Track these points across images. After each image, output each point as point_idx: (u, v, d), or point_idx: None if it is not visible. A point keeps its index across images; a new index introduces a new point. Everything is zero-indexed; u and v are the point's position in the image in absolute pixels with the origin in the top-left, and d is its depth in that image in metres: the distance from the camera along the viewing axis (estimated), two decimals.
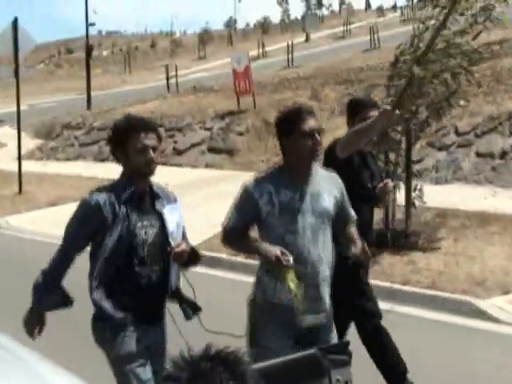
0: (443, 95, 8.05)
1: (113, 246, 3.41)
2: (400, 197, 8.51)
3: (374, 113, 4.48)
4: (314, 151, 3.55)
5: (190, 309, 3.61)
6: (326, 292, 3.60)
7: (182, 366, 1.53)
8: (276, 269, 3.43)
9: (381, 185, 4.55)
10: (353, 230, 3.80)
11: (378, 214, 8.89)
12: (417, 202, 8.56)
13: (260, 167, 12.99)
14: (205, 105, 18.60)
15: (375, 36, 28.83)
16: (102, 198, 3.44)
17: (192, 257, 3.57)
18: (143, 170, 3.48)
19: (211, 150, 15.90)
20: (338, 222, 3.70)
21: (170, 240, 3.48)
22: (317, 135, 3.55)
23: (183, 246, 3.48)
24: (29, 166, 16.19)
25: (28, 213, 12.83)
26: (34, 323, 3.54)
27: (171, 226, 3.51)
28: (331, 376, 2.06)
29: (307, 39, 43.92)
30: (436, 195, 9.59)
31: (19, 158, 14.66)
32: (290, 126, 3.56)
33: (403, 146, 8.37)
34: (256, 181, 3.61)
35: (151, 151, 3.46)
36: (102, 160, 17.39)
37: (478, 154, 11.44)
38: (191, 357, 1.55)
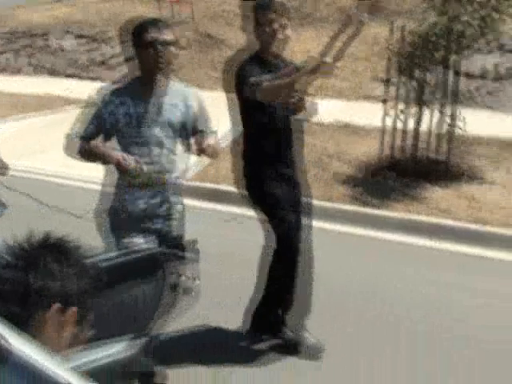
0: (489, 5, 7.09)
1: None
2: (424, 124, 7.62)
3: (281, 21, 3.94)
4: (158, 63, 3.56)
5: None
6: (174, 196, 3.76)
7: (18, 253, 1.50)
8: (127, 174, 3.56)
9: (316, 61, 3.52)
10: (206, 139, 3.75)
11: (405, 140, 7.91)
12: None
13: (211, 85, 11.69)
14: (126, 14, 16.62)
15: None
16: None
17: None
18: None
19: None
20: (194, 134, 3.77)
21: None
22: (161, 46, 3.53)
23: None
24: None
25: None
26: None
27: None
28: (179, 273, 2.08)
29: None
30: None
31: None
32: (139, 37, 3.58)
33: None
34: (113, 91, 3.69)
35: None
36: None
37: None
38: (28, 245, 1.53)
